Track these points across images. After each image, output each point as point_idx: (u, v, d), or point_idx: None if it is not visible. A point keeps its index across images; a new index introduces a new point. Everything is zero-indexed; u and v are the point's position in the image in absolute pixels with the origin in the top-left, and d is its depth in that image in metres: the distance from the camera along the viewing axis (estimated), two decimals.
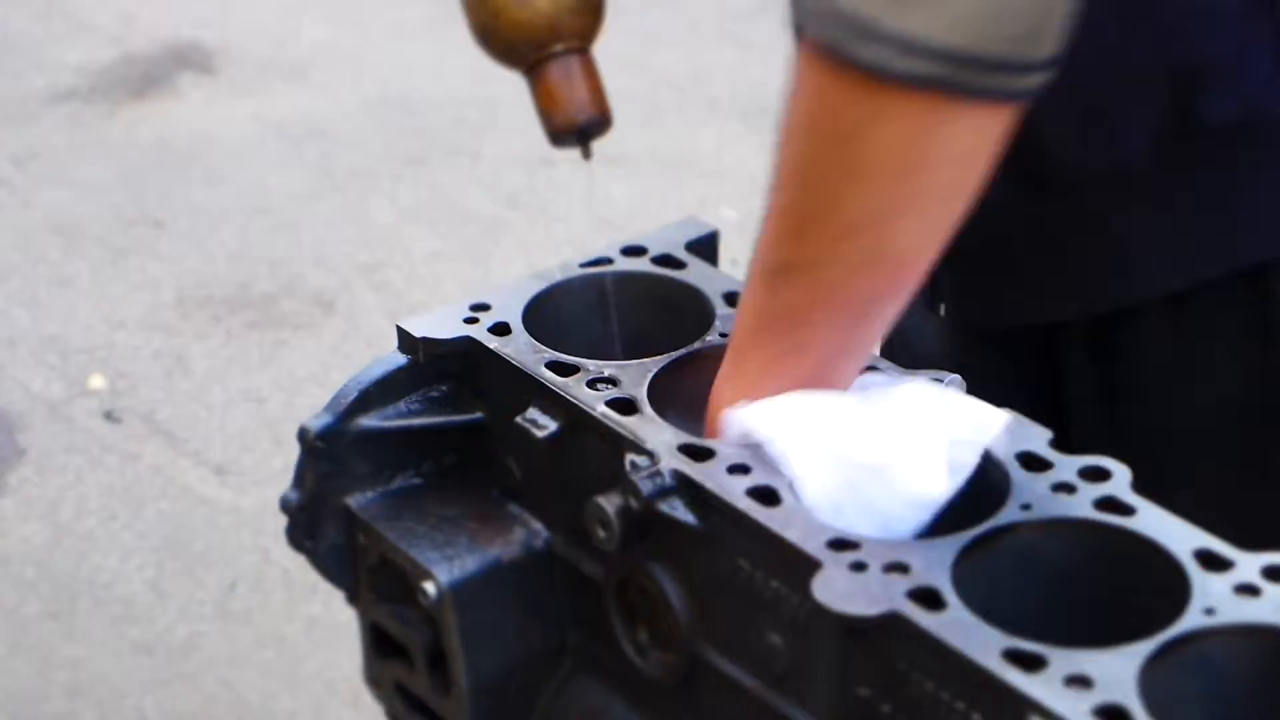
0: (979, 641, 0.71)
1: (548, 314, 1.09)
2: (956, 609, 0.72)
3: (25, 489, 2.88)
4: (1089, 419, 1.26)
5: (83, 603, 2.63)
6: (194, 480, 2.85)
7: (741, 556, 0.84)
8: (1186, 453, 1.26)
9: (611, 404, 0.94)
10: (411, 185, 3.57)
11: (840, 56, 0.83)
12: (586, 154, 1.19)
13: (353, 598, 1.13)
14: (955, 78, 0.82)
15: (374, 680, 1.15)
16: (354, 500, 1.04)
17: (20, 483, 2.88)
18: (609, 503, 0.87)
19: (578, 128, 1.17)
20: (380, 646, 1.10)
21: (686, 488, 0.87)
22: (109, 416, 2.94)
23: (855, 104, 0.85)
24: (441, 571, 0.97)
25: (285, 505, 1.05)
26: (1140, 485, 1.13)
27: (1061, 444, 0.95)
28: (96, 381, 3.06)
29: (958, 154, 0.87)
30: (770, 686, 0.87)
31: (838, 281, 0.91)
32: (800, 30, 0.90)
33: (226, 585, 2.63)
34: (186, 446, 2.91)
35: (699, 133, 3.77)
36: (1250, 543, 1.07)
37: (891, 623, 0.72)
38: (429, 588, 0.98)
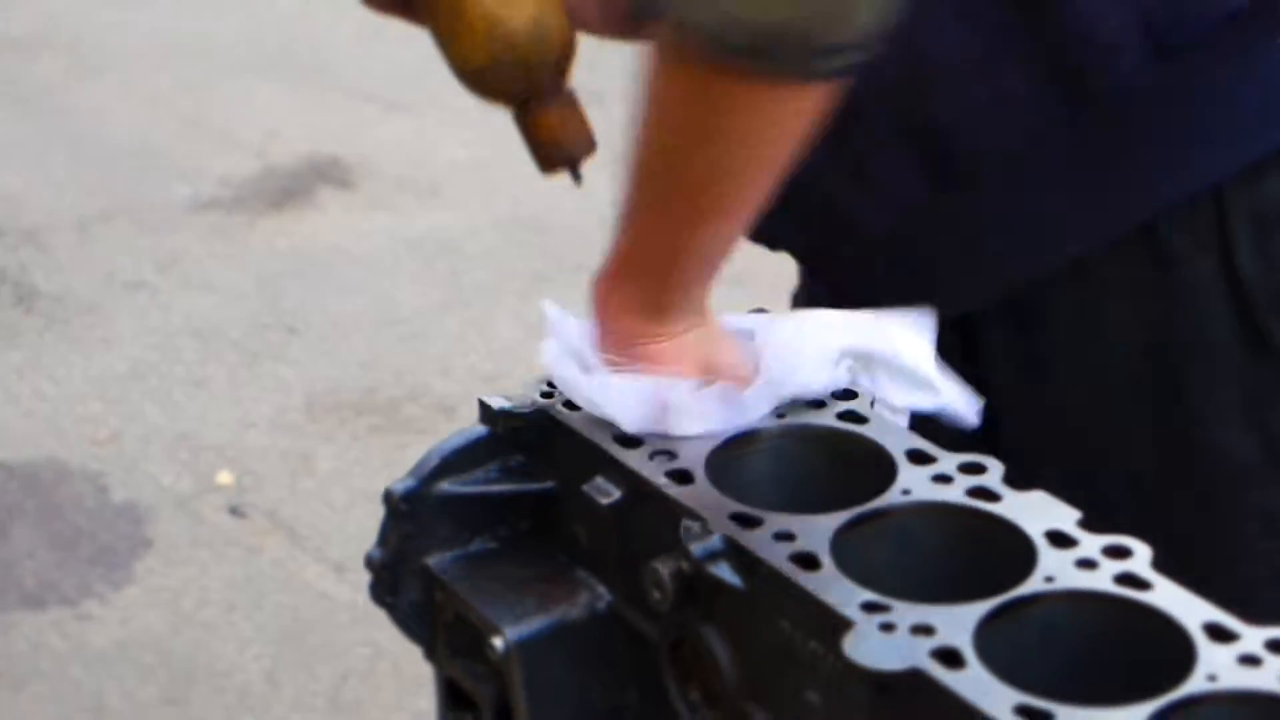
0: (994, 698, 0.77)
1: None
2: (975, 668, 0.78)
3: (150, 578, 2.96)
4: (1010, 397, 1.31)
5: (200, 690, 2.72)
6: (312, 576, 2.95)
7: (783, 617, 0.89)
8: (1101, 418, 1.33)
9: (670, 474, 1.00)
10: (537, 301, 3.50)
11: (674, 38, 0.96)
12: (579, 180, 1.25)
13: (430, 653, 1.19)
14: (753, 58, 0.93)
15: None
16: (433, 560, 1.09)
17: (146, 572, 2.96)
18: (663, 566, 0.94)
19: (578, 160, 1.24)
20: (452, 700, 1.17)
21: (734, 552, 0.93)
22: (234, 511, 3.03)
23: (674, 81, 1.00)
24: (510, 628, 1.02)
25: (369, 563, 1.12)
26: (1064, 458, 1.31)
27: (991, 430, 1.19)
28: (224, 478, 3.16)
29: (764, 129, 1.00)
30: None
31: (680, 223, 1.08)
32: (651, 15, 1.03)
33: (339, 677, 2.70)
34: (308, 543, 3.01)
35: None
36: (1161, 507, 1.28)
37: (915, 679, 0.77)
38: (497, 643, 1.03)
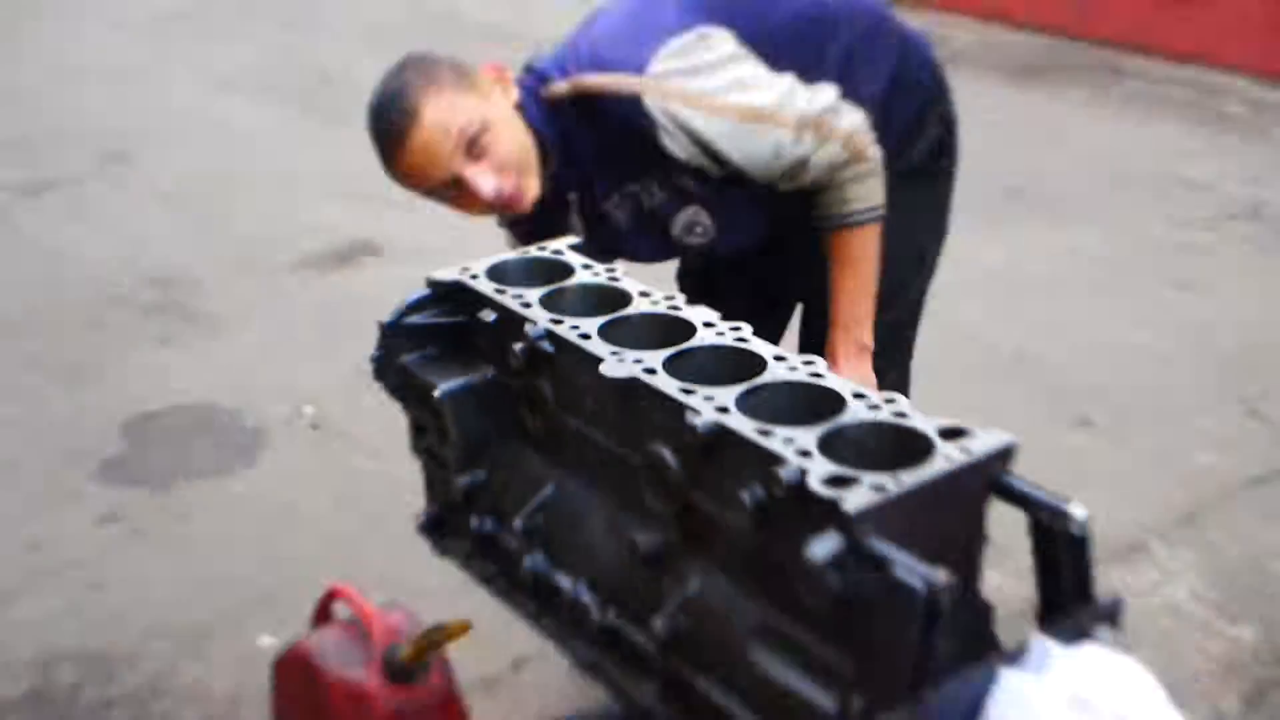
0: (672, 389, 1.35)
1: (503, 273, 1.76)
2: (664, 376, 1.37)
3: (268, 464, 3.62)
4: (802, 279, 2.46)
5: (306, 536, 3.18)
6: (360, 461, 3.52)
7: (577, 367, 1.48)
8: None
9: (523, 305, 1.58)
10: None
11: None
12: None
13: (405, 409, 1.78)
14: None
15: (415, 449, 1.80)
16: (406, 358, 1.69)
17: (268, 459, 3.64)
18: (517, 346, 1.53)
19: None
20: (416, 431, 1.79)
21: (551, 336, 1.51)
22: (314, 427, 3.74)
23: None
24: (441, 385, 1.64)
25: (372, 363, 1.72)
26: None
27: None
28: (308, 409, 3.84)
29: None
30: (610, 436, 1.52)
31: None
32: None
33: (396, 523, 3.17)
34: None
35: None
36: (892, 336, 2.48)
37: (632, 382, 1.36)
38: (435, 393, 1.65)
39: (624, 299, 1.63)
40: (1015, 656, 1.24)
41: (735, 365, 1.48)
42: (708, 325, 1.54)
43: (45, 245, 4.91)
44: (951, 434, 1.29)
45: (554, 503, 1.64)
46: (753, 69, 2.17)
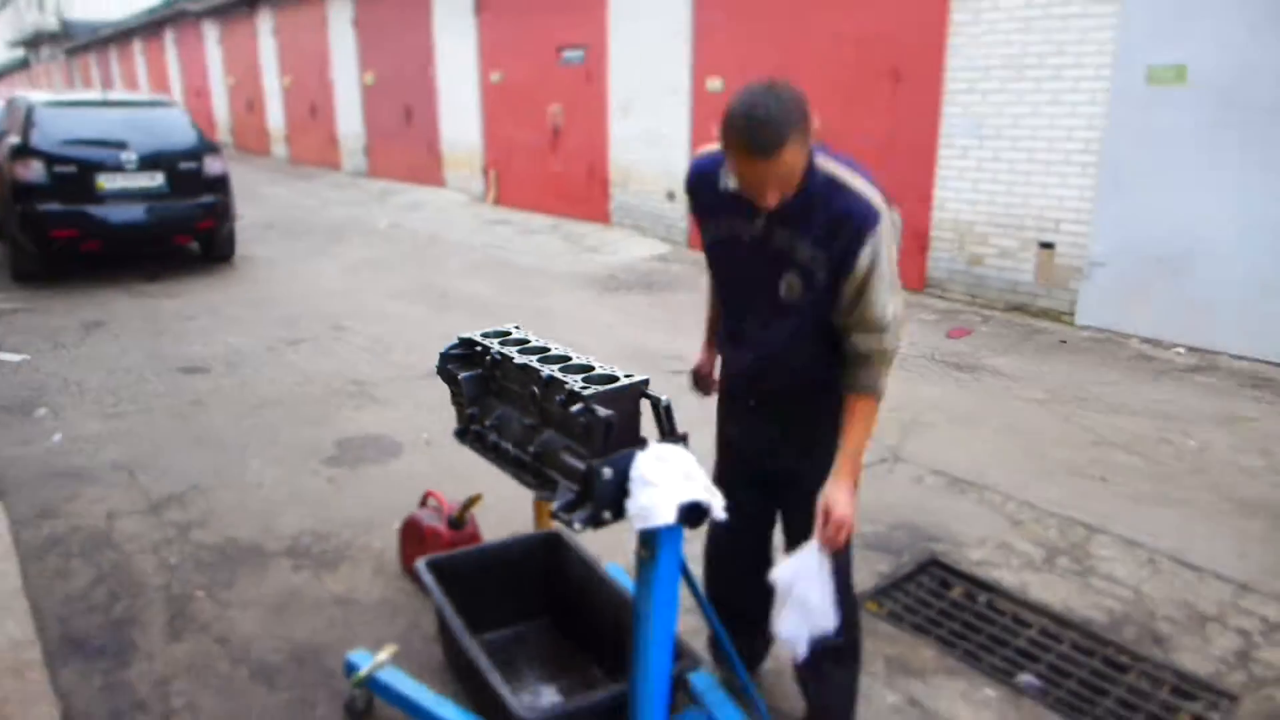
0: (560, 376, 1.94)
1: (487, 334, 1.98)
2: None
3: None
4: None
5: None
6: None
7: (507, 367, 1.93)
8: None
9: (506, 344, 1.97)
10: None
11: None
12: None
13: (448, 384, 1.97)
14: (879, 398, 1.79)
15: (452, 402, 2.00)
16: (448, 365, 1.96)
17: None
18: (488, 358, 1.92)
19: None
20: (453, 395, 2.00)
21: (501, 355, 1.87)
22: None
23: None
24: (462, 374, 1.92)
25: (439, 369, 1.98)
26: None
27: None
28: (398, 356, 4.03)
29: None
30: (518, 387, 1.83)
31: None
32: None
33: None
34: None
35: None
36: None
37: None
38: (460, 378, 1.98)
39: (525, 340, 1.95)
40: (643, 446, 1.63)
41: (564, 360, 1.81)
42: (557, 351, 1.86)
43: (300, 366, 5.04)
44: (628, 376, 1.71)
45: (500, 416, 1.92)
46: (896, 261, 1.77)
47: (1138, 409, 4.46)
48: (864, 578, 2.92)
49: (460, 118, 11.64)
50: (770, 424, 1.95)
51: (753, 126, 1.57)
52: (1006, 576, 2.96)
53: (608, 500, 1.61)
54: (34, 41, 35.60)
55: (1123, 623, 2.71)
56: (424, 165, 12.78)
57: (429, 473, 3.58)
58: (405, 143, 13.13)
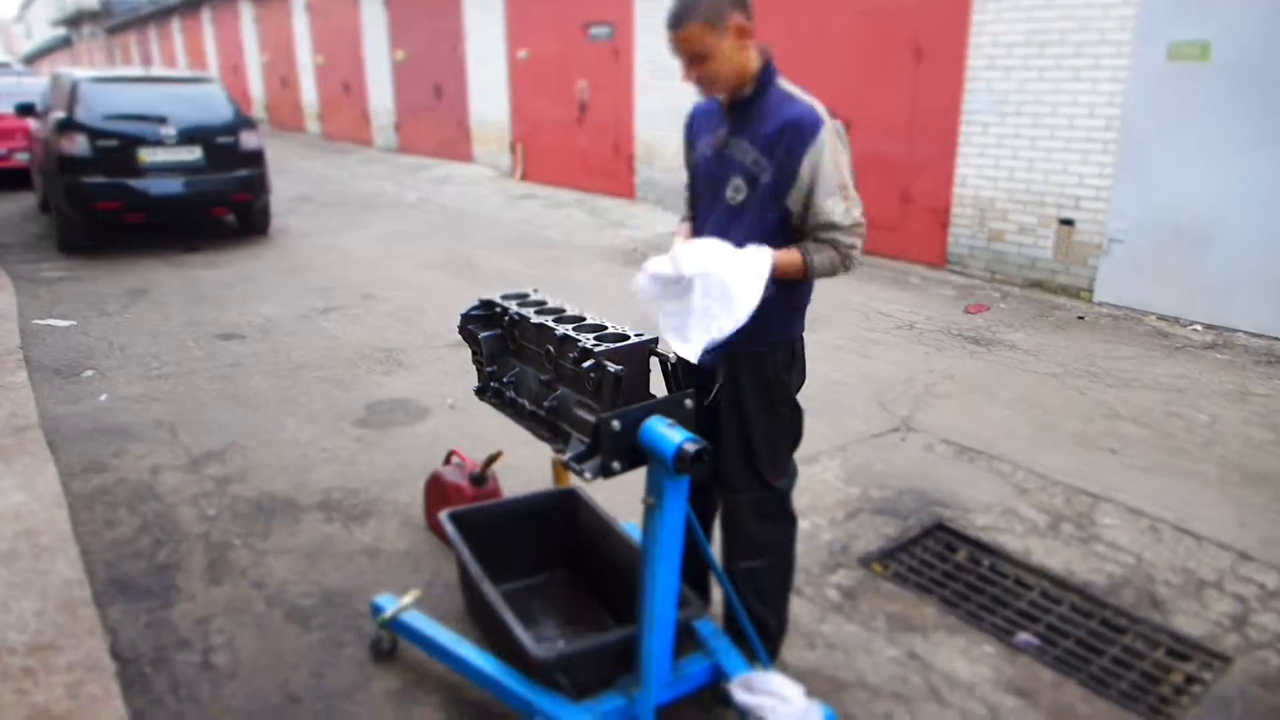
0: (575, 336, 1.94)
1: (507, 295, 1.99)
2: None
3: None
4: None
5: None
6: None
7: (524, 327, 1.91)
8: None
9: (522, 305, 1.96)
10: None
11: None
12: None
13: (469, 344, 2.03)
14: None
15: (473, 361, 2.04)
16: (469, 326, 2.00)
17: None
18: (506, 318, 1.91)
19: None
20: (474, 353, 2.02)
21: (519, 316, 1.89)
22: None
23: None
24: (482, 333, 1.95)
25: (459, 328, 2.01)
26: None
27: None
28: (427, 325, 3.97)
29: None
30: (535, 345, 1.85)
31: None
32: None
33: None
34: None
35: None
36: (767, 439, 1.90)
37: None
38: (480, 336, 1.95)
39: (542, 302, 1.99)
40: (664, 404, 1.62)
41: (578, 320, 1.85)
42: (578, 314, 1.87)
43: (332, 333, 5.07)
44: (638, 335, 1.75)
45: (517, 373, 1.96)
46: (849, 167, 1.79)
47: (1150, 384, 4.42)
48: (870, 540, 2.94)
49: (489, 94, 11.61)
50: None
51: (671, 7, 1.78)
52: (1010, 541, 2.96)
53: (617, 451, 1.65)
54: (75, 20, 35.84)
55: (1122, 586, 2.73)
56: (453, 141, 12.78)
57: (452, 434, 3.62)
58: (435, 119, 13.13)
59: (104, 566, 2.70)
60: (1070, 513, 3.14)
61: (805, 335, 1.96)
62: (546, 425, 1.85)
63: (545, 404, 1.83)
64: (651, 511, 1.73)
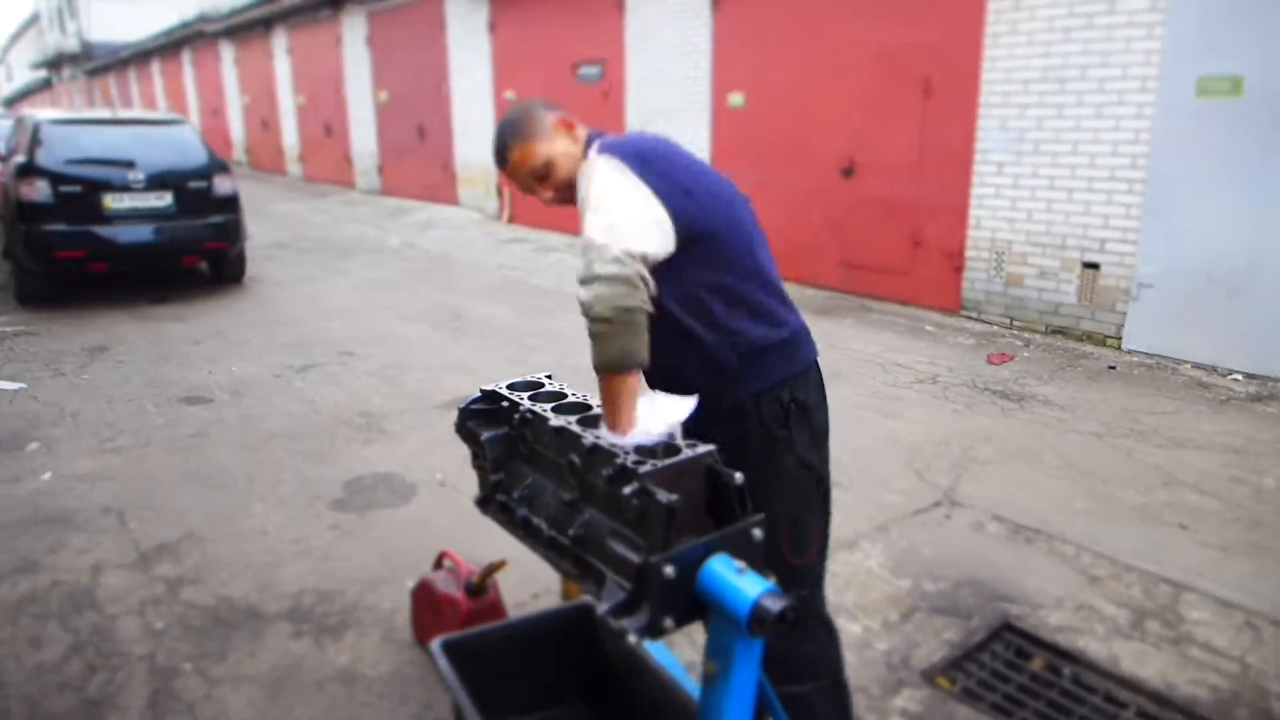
0: (607, 443, 1.61)
1: (513, 386, 1.74)
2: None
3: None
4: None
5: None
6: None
7: (539, 439, 1.60)
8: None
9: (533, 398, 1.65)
10: None
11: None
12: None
13: (469, 445, 1.76)
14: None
15: (473, 465, 1.75)
16: (469, 423, 1.72)
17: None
18: (515, 416, 1.62)
19: None
20: (475, 456, 1.75)
21: (531, 413, 1.60)
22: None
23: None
24: (485, 434, 1.65)
25: (456, 426, 1.72)
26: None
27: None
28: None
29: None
30: (553, 453, 1.56)
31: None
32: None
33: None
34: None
35: None
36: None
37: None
38: (483, 437, 1.66)
39: (562, 395, 1.74)
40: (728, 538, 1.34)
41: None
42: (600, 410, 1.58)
43: (308, 395, 4.80)
44: (691, 446, 1.43)
45: (531, 486, 1.67)
46: (620, 197, 1.59)
47: (1203, 443, 4.09)
48: (932, 648, 2.57)
49: (474, 136, 11.35)
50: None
51: (496, 141, 1.80)
52: (1092, 645, 2.58)
53: (669, 603, 1.30)
54: (56, 62, 35.80)
55: (1233, 704, 2.32)
56: (438, 183, 12.50)
57: (443, 518, 3.31)
58: (419, 161, 12.86)
59: (23, 704, 2.23)
60: (1152, 606, 2.79)
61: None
62: (570, 557, 1.53)
63: (570, 531, 1.48)
64: (714, 681, 1.32)
